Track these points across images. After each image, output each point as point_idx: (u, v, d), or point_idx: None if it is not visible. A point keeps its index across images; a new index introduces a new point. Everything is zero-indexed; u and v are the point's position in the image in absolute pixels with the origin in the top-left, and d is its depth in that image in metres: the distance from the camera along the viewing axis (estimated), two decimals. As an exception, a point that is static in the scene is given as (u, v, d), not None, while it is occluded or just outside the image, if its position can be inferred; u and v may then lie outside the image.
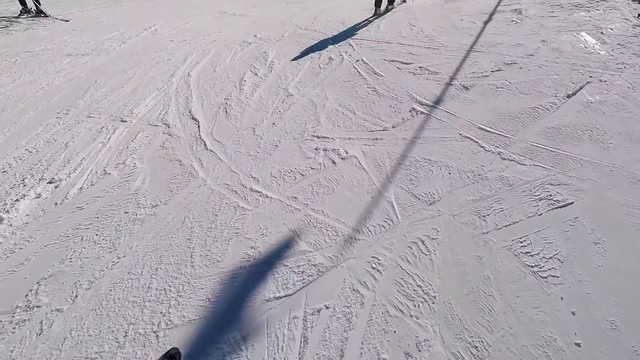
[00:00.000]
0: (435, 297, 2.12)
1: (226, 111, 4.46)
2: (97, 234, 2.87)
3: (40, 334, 2.22)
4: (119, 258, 2.66)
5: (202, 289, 2.37)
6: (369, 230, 2.60)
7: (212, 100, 4.76)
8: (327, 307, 2.15)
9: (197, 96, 4.90)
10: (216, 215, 2.93)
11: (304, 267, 2.40)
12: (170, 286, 2.42)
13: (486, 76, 4.50)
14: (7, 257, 2.72)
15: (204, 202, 3.08)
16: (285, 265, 2.44)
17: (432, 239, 2.46)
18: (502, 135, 3.35)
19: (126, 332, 2.18)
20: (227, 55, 6.16)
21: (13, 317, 2.34)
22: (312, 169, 3.28)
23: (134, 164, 3.64)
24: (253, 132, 3.96)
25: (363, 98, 4.43)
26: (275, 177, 3.25)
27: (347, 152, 3.44)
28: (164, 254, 2.66)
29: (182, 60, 6.03)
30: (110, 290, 2.44)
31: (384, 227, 2.60)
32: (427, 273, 2.25)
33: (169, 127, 4.26)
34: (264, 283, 2.36)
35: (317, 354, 1.94)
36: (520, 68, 4.57)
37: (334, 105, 4.32)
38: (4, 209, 3.07)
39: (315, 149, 3.54)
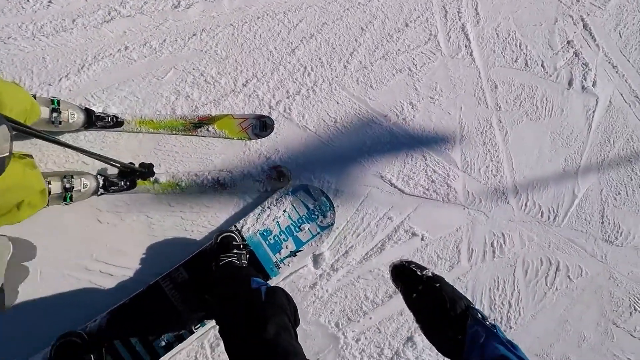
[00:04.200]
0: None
1: None
2: None
3: (175, 6, 1.89)
4: (284, -17, 2.05)
5: (337, 104, 1.95)
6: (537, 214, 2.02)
7: None
8: (422, 239, 1.86)
9: None
10: (407, 26, 2.15)
11: (438, 177, 1.95)
12: (310, 70, 1.96)
13: None
14: None
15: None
16: (423, 157, 1.96)
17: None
18: None
19: (247, 81, 1.88)
20: None
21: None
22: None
23: None
24: None
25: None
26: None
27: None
28: (329, 23, 2.05)
29: None
30: (259, 18, 1.97)
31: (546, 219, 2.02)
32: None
33: None
34: (391, 155, 1.94)
35: (379, 270, 1.79)
36: None
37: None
38: None
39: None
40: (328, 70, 1.98)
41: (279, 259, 1.64)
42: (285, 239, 1.66)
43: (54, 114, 1.40)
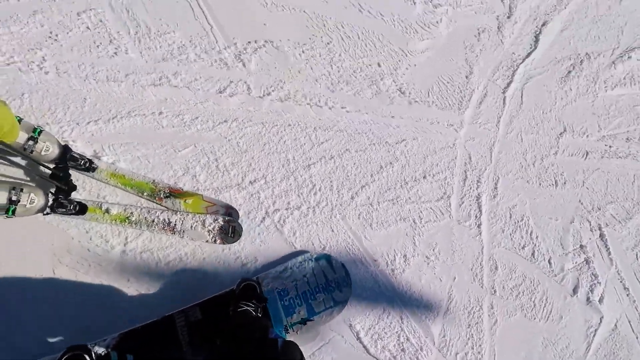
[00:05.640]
0: None
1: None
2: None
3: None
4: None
5: (332, 231, 1.90)
6: None
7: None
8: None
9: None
10: (424, 177, 2.18)
11: (409, 347, 1.77)
12: (318, 189, 1.97)
13: None
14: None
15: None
16: (400, 319, 1.81)
17: None
18: None
19: (255, 180, 1.90)
20: None
21: None
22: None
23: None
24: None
25: None
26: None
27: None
28: (351, 152, 2.12)
29: None
30: (290, 125, 2.07)
31: None
32: None
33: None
34: (368, 305, 1.81)
35: None
36: None
37: None
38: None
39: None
40: (335, 195, 1.99)
41: (290, 323, 1.60)
42: (300, 304, 1.64)
43: (30, 142, 1.42)
